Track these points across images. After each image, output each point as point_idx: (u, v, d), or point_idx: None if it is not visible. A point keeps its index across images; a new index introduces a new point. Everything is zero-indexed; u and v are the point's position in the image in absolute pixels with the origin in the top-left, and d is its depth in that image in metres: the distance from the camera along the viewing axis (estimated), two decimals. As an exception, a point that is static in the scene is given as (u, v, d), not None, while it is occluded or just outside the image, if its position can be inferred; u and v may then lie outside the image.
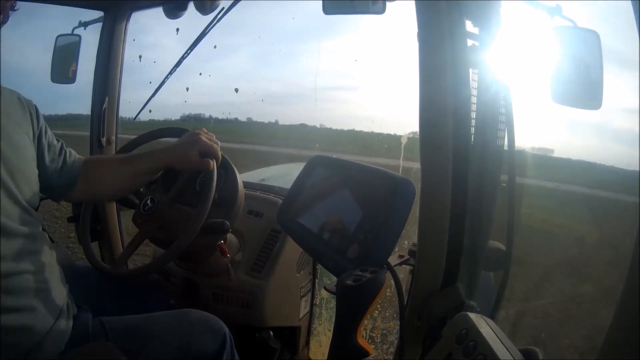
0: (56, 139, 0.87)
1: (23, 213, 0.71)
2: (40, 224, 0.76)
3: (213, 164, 0.92)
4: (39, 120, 0.81)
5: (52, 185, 0.84)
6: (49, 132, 0.84)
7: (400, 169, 1.30)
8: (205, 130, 0.96)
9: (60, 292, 0.75)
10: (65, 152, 0.87)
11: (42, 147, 0.82)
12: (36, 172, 0.78)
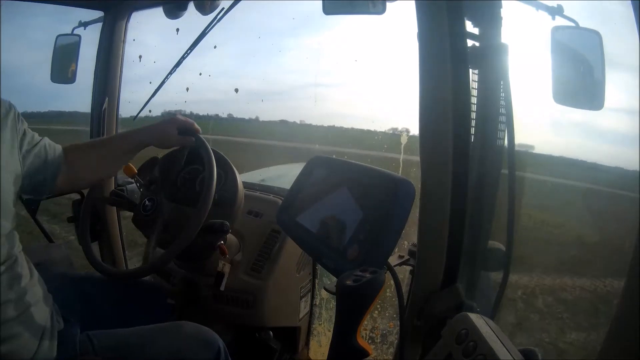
0: (33, 133, 0.81)
1: (4, 241, 0.68)
2: (18, 246, 0.73)
3: (192, 140, 0.96)
4: (18, 121, 0.76)
5: (37, 183, 0.80)
6: (27, 130, 0.79)
7: (401, 166, 1.31)
8: (178, 114, 1.00)
9: (43, 312, 0.72)
10: (46, 146, 0.82)
11: (23, 149, 0.77)
12: (14, 193, 0.73)
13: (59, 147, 0.86)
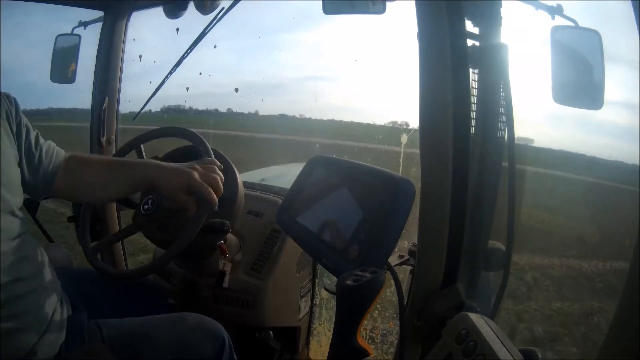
0: (33, 132, 0.78)
1: (10, 217, 0.68)
2: (26, 225, 0.72)
3: (197, 210, 0.82)
4: (17, 114, 0.75)
5: (28, 183, 0.77)
6: (26, 125, 0.77)
7: (402, 164, 1.32)
8: (212, 164, 0.83)
9: (52, 294, 0.73)
10: (41, 148, 0.79)
11: (20, 144, 0.75)
12: (18, 171, 0.73)
13: (61, 153, 0.83)
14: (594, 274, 3.00)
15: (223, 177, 0.82)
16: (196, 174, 0.78)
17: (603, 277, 2.92)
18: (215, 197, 0.79)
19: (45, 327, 0.69)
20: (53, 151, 0.82)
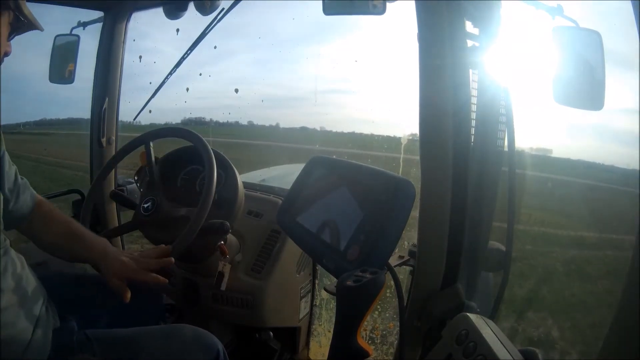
0: (13, 166, 0.79)
1: None
2: (5, 237, 0.72)
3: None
4: (1, 147, 0.75)
5: (4, 211, 0.75)
6: (9, 160, 0.78)
7: (401, 166, 1.32)
8: (156, 253, 0.85)
9: (37, 302, 0.72)
10: (19, 186, 0.80)
11: (2, 174, 0.75)
12: (1, 196, 0.73)
13: (34, 195, 0.83)
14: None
15: (171, 260, 0.84)
16: (132, 266, 0.80)
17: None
18: (158, 278, 0.81)
19: (28, 340, 0.68)
20: (28, 192, 0.81)
